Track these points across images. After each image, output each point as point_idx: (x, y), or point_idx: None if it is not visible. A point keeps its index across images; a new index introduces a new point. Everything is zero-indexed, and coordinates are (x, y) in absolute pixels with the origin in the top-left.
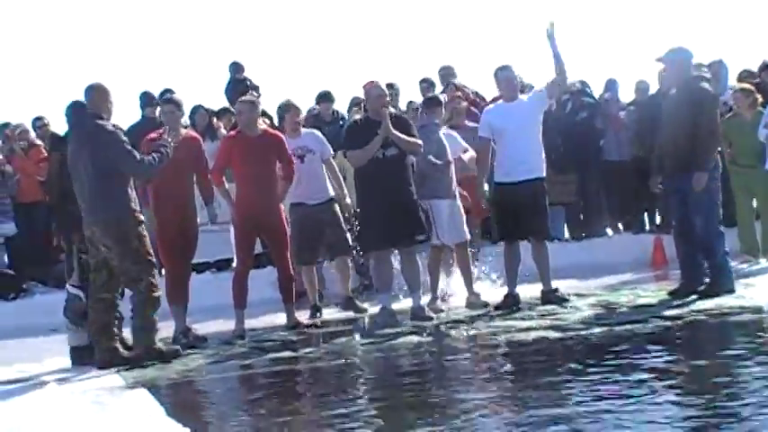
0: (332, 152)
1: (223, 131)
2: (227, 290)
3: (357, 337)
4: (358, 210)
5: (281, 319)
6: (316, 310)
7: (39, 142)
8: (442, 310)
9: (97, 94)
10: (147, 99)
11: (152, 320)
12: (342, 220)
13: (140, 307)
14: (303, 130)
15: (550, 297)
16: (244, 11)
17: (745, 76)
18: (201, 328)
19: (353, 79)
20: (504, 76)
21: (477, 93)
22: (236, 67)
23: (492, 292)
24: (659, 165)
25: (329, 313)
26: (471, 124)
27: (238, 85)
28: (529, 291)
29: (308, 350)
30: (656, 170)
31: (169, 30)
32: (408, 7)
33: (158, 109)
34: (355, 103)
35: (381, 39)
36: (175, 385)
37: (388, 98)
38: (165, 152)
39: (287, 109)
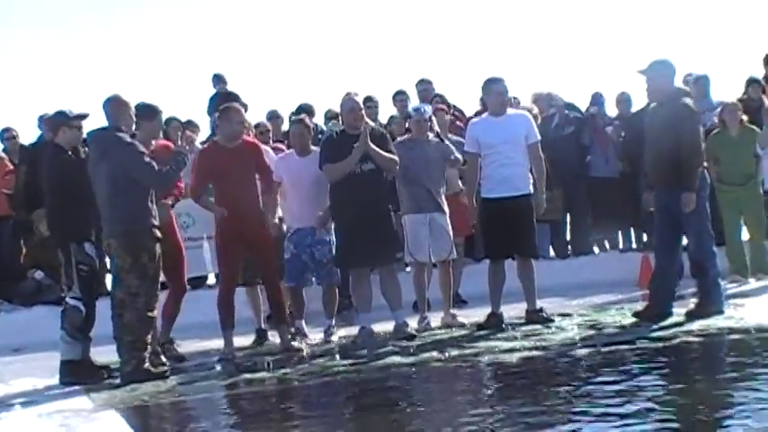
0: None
1: (198, 144)
2: (201, 308)
3: (337, 357)
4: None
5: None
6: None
7: (3, 155)
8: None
9: (115, 106)
10: None
11: (144, 340)
12: None
13: (131, 324)
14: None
15: (535, 317)
16: (222, 24)
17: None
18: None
19: (331, 92)
20: (496, 90)
21: (455, 107)
22: (217, 79)
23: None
24: (649, 181)
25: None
26: (454, 138)
27: (224, 97)
28: (512, 310)
29: (285, 371)
30: (647, 187)
31: (147, 41)
32: (387, 20)
33: None
34: (330, 116)
35: (360, 51)
36: (146, 407)
37: (362, 111)
38: (182, 160)
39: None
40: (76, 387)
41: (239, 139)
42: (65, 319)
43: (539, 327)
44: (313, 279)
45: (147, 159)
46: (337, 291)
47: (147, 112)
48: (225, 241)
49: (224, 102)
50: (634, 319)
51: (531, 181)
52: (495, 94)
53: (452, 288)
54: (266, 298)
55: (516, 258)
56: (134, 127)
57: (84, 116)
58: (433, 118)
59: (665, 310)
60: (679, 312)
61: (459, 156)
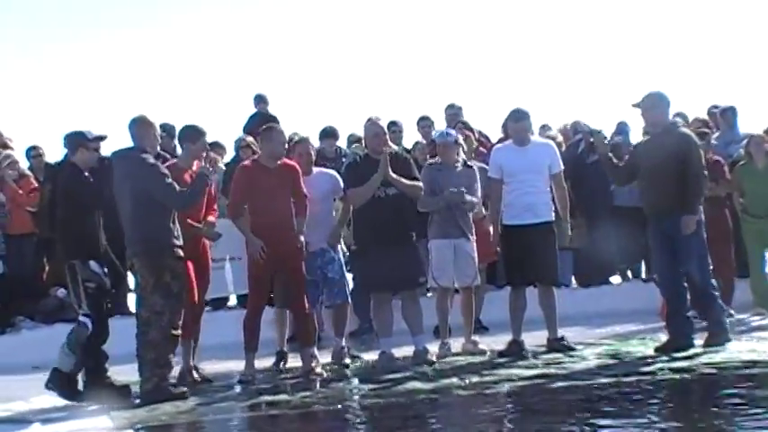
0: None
1: (221, 165)
2: (220, 330)
3: (355, 381)
4: (354, 248)
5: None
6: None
7: (28, 173)
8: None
9: (140, 127)
10: None
11: (167, 358)
12: None
13: (155, 341)
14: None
15: (556, 345)
16: (249, 47)
17: None
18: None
19: (355, 115)
20: (515, 128)
21: (481, 132)
22: (259, 99)
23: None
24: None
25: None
26: (478, 164)
27: (262, 118)
28: (534, 338)
29: (303, 394)
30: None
31: (175, 61)
32: (412, 45)
33: None
34: (354, 140)
35: (384, 75)
36: (166, 427)
37: (386, 136)
38: (205, 182)
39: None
40: (96, 406)
41: (280, 159)
42: (72, 331)
43: (560, 355)
44: (322, 299)
45: (169, 181)
46: (350, 312)
47: (192, 133)
48: (257, 263)
49: (263, 122)
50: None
51: (553, 209)
52: (513, 131)
53: (474, 314)
54: (292, 320)
55: (537, 286)
56: (159, 147)
57: (102, 138)
58: (462, 143)
59: (687, 342)
60: (699, 344)
61: (478, 198)
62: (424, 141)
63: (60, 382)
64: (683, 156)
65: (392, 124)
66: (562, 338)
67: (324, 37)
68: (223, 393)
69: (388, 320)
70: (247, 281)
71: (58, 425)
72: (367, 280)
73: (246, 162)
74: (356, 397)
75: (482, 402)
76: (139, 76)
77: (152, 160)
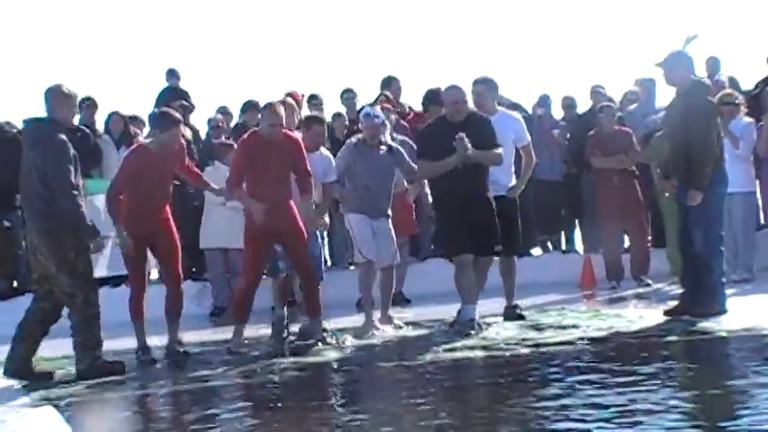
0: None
1: (141, 139)
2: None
3: (281, 357)
4: (435, 214)
5: (204, 335)
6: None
7: None
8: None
9: (54, 97)
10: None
11: (95, 338)
12: None
13: (77, 324)
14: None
15: (512, 313)
16: (176, 16)
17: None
18: (127, 342)
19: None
20: (475, 89)
21: (411, 108)
22: (171, 74)
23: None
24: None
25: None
26: (400, 137)
27: (173, 93)
28: (450, 310)
29: (223, 369)
30: (663, 176)
31: (93, 32)
32: (339, 14)
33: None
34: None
35: (308, 46)
36: (85, 403)
37: (465, 103)
38: (89, 235)
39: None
40: (13, 383)
41: (278, 134)
42: None
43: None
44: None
45: (68, 166)
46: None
47: (161, 121)
48: (258, 235)
49: (172, 97)
50: (573, 321)
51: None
52: (477, 96)
53: (395, 288)
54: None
55: (499, 255)
56: (76, 119)
57: None
58: (387, 123)
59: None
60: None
61: (414, 166)
62: (345, 114)
63: None
64: (689, 124)
65: (312, 97)
66: (516, 306)
67: (247, 7)
68: (144, 369)
69: (471, 285)
70: (245, 255)
71: None
72: (451, 247)
73: (247, 135)
74: (276, 370)
75: (404, 373)
76: (51, 46)
77: (62, 137)
